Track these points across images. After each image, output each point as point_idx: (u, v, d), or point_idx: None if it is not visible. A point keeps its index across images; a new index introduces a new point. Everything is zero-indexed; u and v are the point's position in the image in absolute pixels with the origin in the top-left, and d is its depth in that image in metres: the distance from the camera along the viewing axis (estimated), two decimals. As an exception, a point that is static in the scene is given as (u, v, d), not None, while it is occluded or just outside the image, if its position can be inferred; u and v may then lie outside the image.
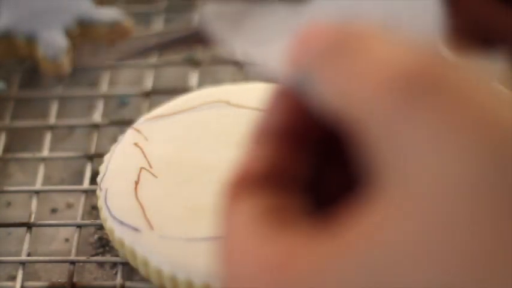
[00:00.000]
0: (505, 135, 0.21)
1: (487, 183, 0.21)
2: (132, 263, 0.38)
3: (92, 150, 0.46)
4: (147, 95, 0.48)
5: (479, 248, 0.21)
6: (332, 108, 0.24)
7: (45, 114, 0.48)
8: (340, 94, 0.23)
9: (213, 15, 0.29)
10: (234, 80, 0.48)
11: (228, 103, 0.42)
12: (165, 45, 0.31)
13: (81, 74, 0.51)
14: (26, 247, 0.41)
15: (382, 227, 0.22)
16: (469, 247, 0.21)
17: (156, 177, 0.39)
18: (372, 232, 0.22)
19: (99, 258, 0.41)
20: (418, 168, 0.22)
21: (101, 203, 0.39)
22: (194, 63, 0.50)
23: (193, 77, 0.49)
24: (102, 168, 0.41)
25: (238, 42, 0.28)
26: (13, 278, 0.41)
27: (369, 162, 0.23)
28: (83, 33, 0.50)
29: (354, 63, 0.23)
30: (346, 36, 0.24)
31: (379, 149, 0.23)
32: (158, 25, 0.53)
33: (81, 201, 0.43)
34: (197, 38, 0.30)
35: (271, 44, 0.28)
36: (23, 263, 0.41)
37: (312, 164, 0.26)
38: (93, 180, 0.43)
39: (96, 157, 0.45)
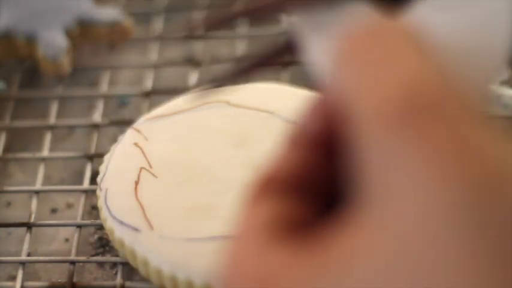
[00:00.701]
0: (492, 173, 0.21)
1: (471, 222, 0.21)
2: (132, 263, 0.38)
3: (92, 150, 0.46)
4: (147, 95, 0.48)
5: (455, 281, 0.21)
6: (340, 108, 0.24)
7: (45, 114, 0.48)
8: (349, 98, 0.24)
9: (300, 22, 0.29)
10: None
11: (228, 103, 0.42)
12: (259, 64, 0.30)
13: (81, 74, 0.51)
14: (26, 247, 0.41)
15: (357, 253, 0.22)
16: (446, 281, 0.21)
17: (156, 177, 0.39)
18: (348, 257, 0.22)
19: (99, 258, 0.41)
20: (400, 194, 0.22)
21: (101, 203, 0.39)
22: (194, 63, 0.50)
23: (193, 77, 0.49)
24: (102, 168, 0.41)
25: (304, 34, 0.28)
26: (13, 278, 0.41)
27: (356, 176, 0.23)
28: (83, 33, 0.50)
29: (368, 70, 0.24)
30: (374, 37, 0.25)
31: (367, 165, 0.23)
32: (158, 25, 0.53)
33: (81, 201, 0.43)
34: (288, 49, 0.30)
35: (320, 41, 0.28)
36: (23, 263, 0.41)
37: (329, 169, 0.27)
38: (93, 180, 0.43)
39: (96, 157, 0.45)
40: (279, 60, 0.30)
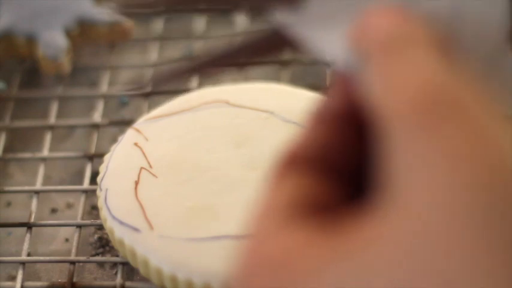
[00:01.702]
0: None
1: (490, 221, 0.22)
2: (132, 263, 0.38)
3: (92, 150, 0.46)
4: (147, 95, 0.48)
5: (469, 278, 0.21)
6: (371, 103, 0.25)
7: (45, 114, 0.48)
8: (380, 93, 0.24)
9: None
10: (234, 80, 0.48)
11: (228, 103, 0.42)
12: (248, 51, 0.30)
13: (81, 74, 0.51)
14: (26, 247, 0.41)
15: (377, 242, 0.22)
16: (460, 278, 0.21)
17: (156, 177, 0.39)
18: (367, 245, 0.22)
19: (99, 258, 0.41)
20: (423, 191, 0.22)
21: (101, 203, 0.39)
22: (194, 63, 0.50)
23: (193, 77, 0.49)
24: (102, 168, 0.41)
25: (303, 28, 0.28)
26: (13, 278, 0.41)
27: (383, 170, 0.24)
28: (83, 33, 0.50)
29: (399, 68, 0.24)
30: (402, 34, 0.25)
31: (393, 160, 0.23)
32: (158, 25, 0.53)
33: (81, 201, 0.43)
34: (276, 40, 0.30)
35: (334, 28, 0.28)
36: (23, 263, 0.41)
37: (355, 151, 0.27)
38: (93, 180, 0.43)
39: (96, 157, 0.45)
40: (237, 61, 0.30)
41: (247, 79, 0.48)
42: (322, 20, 0.28)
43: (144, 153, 0.40)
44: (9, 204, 0.45)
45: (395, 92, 0.24)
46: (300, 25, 0.28)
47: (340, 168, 0.26)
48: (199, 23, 0.53)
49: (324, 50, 0.28)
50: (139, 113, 0.46)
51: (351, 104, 0.27)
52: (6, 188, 0.44)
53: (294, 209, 0.25)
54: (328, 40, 0.28)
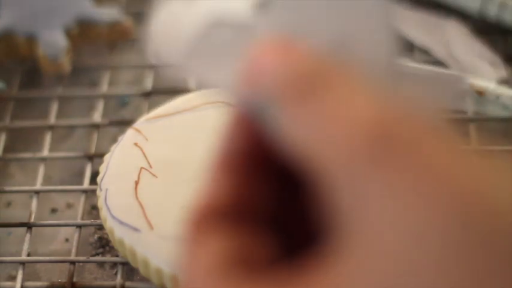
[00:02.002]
0: (461, 193, 0.22)
1: (450, 244, 0.21)
2: (132, 262, 0.38)
3: (92, 150, 0.46)
4: (147, 95, 0.48)
5: None
6: (295, 144, 0.23)
7: (45, 114, 0.48)
8: (306, 135, 0.23)
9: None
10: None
11: (228, 103, 0.42)
12: None
13: (81, 74, 0.51)
14: (26, 247, 0.41)
15: (346, 284, 0.22)
16: None
17: (156, 177, 0.39)
18: None
19: (99, 258, 0.41)
20: (379, 226, 0.22)
21: (101, 203, 0.39)
22: (194, 63, 0.50)
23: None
24: (102, 168, 0.41)
25: (193, 66, 0.28)
26: (13, 278, 0.41)
27: (331, 212, 0.23)
28: (82, 33, 0.50)
29: (322, 107, 0.23)
30: (312, 71, 0.24)
31: (342, 202, 0.23)
32: (158, 25, 0.53)
33: (81, 201, 0.43)
34: None
35: (225, 65, 0.27)
36: (23, 263, 0.41)
37: (277, 197, 0.25)
38: (93, 180, 0.43)
39: (96, 157, 0.45)
40: None
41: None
42: (212, 58, 0.28)
43: (144, 153, 0.40)
44: (9, 204, 0.45)
45: (330, 136, 0.23)
46: (193, 64, 0.28)
47: (263, 216, 0.25)
48: (199, 23, 0.53)
49: (221, 88, 0.28)
50: (139, 113, 0.46)
51: (256, 145, 0.25)
52: (6, 188, 0.44)
53: (228, 270, 0.23)
54: (222, 78, 0.28)
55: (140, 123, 0.42)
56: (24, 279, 0.40)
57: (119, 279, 0.39)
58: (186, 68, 0.28)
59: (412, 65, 0.46)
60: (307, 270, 0.23)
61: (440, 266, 0.21)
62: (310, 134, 0.23)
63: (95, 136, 0.46)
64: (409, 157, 0.22)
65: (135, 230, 0.37)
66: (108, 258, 0.41)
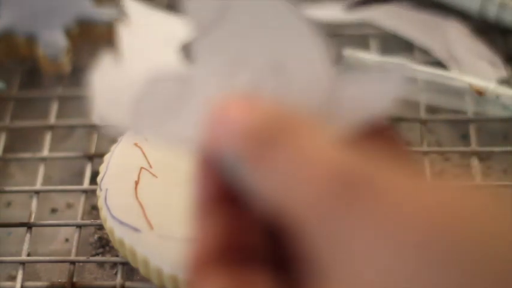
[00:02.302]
0: (431, 229, 0.22)
1: (423, 278, 0.22)
2: (132, 262, 0.38)
3: (92, 150, 0.46)
4: (147, 95, 0.48)
5: None
6: (265, 200, 0.24)
7: (45, 114, 0.48)
8: (276, 191, 0.24)
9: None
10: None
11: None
12: None
13: (81, 74, 0.50)
14: (26, 247, 0.41)
15: None
16: None
17: (156, 177, 0.39)
18: None
19: (99, 258, 0.41)
20: (356, 268, 0.23)
21: (101, 203, 0.39)
22: (194, 63, 0.50)
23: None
24: (102, 168, 0.41)
25: (143, 124, 0.29)
26: (13, 278, 0.41)
27: (308, 257, 0.24)
28: (82, 33, 0.50)
29: (284, 156, 0.24)
30: (274, 124, 0.25)
31: (318, 248, 0.23)
32: (158, 25, 0.53)
33: (81, 201, 0.43)
34: None
35: (181, 118, 0.28)
36: (23, 263, 0.41)
37: (266, 232, 0.26)
38: (93, 180, 0.43)
39: (96, 157, 0.45)
40: None
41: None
42: (159, 113, 0.28)
43: (144, 153, 0.40)
44: (9, 204, 0.45)
45: (295, 181, 0.23)
46: (138, 119, 0.29)
47: (253, 255, 0.26)
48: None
49: (178, 142, 0.29)
50: (139, 113, 0.46)
51: (225, 188, 0.26)
52: (6, 188, 0.44)
53: None
54: (177, 132, 0.28)
55: (140, 123, 0.42)
56: (24, 279, 0.40)
57: (118, 279, 0.39)
58: (136, 127, 0.29)
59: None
60: None
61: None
62: (276, 184, 0.24)
63: (95, 136, 0.46)
64: (374, 192, 0.23)
65: (135, 230, 0.37)
66: (108, 258, 0.41)
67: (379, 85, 0.28)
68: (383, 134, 0.27)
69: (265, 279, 0.25)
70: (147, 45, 0.35)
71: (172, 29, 0.38)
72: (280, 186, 0.24)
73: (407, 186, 0.23)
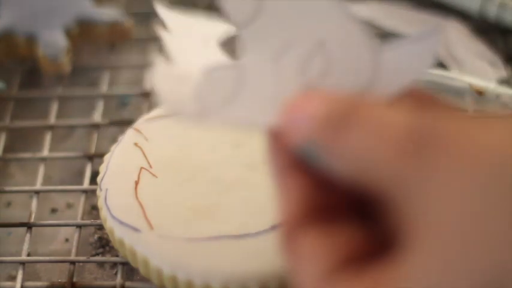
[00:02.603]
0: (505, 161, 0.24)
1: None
2: (132, 262, 0.38)
3: (92, 150, 0.46)
4: (147, 95, 0.48)
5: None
6: (347, 174, 0.26)
7: (45, 114, 0.48)
8: (357, 161, 0.26)
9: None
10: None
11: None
12: None
13: (81, 74, 0.51)
14: (26, 247, 0.41)
15: (408, 280, 0.24)
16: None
17: (156, 177, 0.39)
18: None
19: (99, 258, 0.41)
20: (440, 220, 0.24)
21: (101, 203, 0.39)
22: (194, 63, 0.50)
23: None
24: (102, 168, 0.41)
25: (206, 111, 0.30)
26: (13, 278, 0.41)
27: (394, 217, 0.25)
28: (82, 33, 0.50)
29: (362, 132, 0.26)
30: (345, 107, 0.27)
31: (402, 207, 0.25)
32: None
33: (81, 201, 0.43)
34: None
35: (237, 102, 0.31)
36: (23, 263, 0.41)
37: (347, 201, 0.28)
38: (93, 180, 0.43)
39: (96, 157, 0.45)
40: None
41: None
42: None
43: (144, 153, 0.40)
44: (9, 204, 0.45)
45: (374, 150, 0.26)
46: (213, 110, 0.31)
47: (342, 215, 0.28)
48: (199, 23, 0.53)
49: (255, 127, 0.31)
50: (139, 113, 0.46)
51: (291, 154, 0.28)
52: (6, 188, 0.44)
53: (337, 272, 0.26)
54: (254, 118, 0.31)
55: (140, 123, 0.42)
56: (24, 279, 0.40)
57: (118, 279, 0.39)
58: (201, 114, 0.31)
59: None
60: (380, 268, 0.25)
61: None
62: (355, 155, 0.26)
63: (95, 136, 0.46)
64: (446, 141, 0.25)
65: (135, 230, 0.37)
66: (108, 258, 0.41)
67: (416, 49, 0.30)
68: (418, 93, 0.29)
69: (355, 233, 0.27)
70: (191, 45, 0.36)
71: (209, 28, 0.39)
72: (359, 155, 0.26)
73: (473, 128, 0.25)
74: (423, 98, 0.29)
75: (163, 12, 0.40)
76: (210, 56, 0.37)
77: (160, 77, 0.31)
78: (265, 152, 0.30)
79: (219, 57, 0.37)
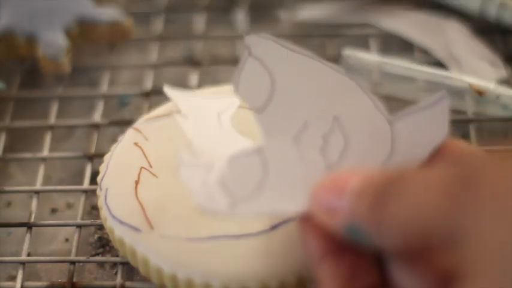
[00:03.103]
0: None
1: None
2: (132, 262, 0.38)
3: (92, 150, 0.46)
4: (147, 95, 0.48)
5: None
6: (397, 241, 0.28)
7: (45, 114, 0.48)
8: (406, 226, 0.27)
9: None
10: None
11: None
12: None
13: (81, 74, 0.51)
14: (26, 247, 0.41)
15: None
16: None
17: (156, 177, 0.39)
18: None
19: (99, 258, 0.41)
20: (491, 254, 0.25)
21: (101, 203, 0.39)
22: (194, 63, 0.50)
23: (193, 77, 0.49)
24: (102, 168, 0.41)
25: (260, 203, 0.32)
26: (13, 278, 0.41)
27: (453, 259, 0.27)
28: (83, 33, 0.50)
29: (408, 195, 0.28)
30: (381, 180, 0.28)
31: (460, 248, 0.26)
32: (158, 25, 0.53)
33: (81, 201, 0.43)
34: None
35: (264, 190, 0.32)
36: (23, 263, 0.41)
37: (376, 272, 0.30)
38: (93, 180, 0.43)
39: (96, 157, 0.45)
40: None
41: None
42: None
43: (144, 153, 0.40)
44: (9, 204, 0.45)
45: (419, 207, 0.27)
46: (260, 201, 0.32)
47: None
48: (199, 23, 0.53)
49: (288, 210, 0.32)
50: (139, 113, 0.46)
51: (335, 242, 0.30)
52: (6, 188, 0.44)
53: None
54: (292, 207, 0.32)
55: (140, 123, 0.42)
56: (24, 279, 0.40)
57: (119, 279, 0.39)
58: (233, 206, 0.32)
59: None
60: None
61: None
62: (409, 217, 0.27)
63: (95, 136, 0.46)
64: (484, 181, 0.26)
65: (135, 229, 0.37)
66: (108, 258, 0.41)
67: (429, 116, 0.31)
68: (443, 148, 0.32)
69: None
70: (207, 126, 0.38)
71: (219, 104, 0.40)
72: (409, 218, 0.27)
73: (503, 167, 0.27)
74: (448, 151, 0.31)
75: (173, 94, 0.40)
76: (227, 136, 0.38)
77: (188, 173, 0.32)
78: (300, 240, 0.31)
79: (235, 136, 0.38)
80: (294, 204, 0.31)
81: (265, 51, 0.32)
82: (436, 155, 0.31)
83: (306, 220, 0.31)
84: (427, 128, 0.31)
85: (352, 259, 0.30)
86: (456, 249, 0.26)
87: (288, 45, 0.32)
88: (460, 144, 0.32)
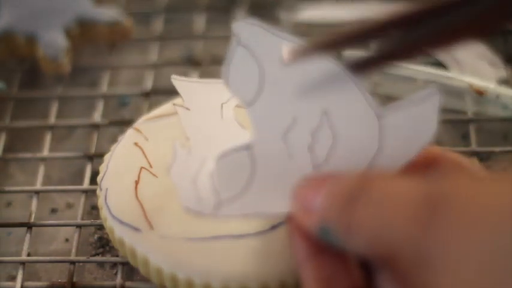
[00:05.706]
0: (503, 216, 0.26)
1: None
2: (132, 262, 0.38)
3: (92, 150, 0.46)
4: (147, 95, 0.48)
5: None
6: (364, 248, 0.28)
7: (45, 114, 0.48)
8: (372, 236, 0.28)
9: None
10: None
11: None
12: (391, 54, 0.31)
13: (81, 74, 0.51)
14: (26, 247, 0.41)
15: None
16: None
17: (156, 177, 0.39)
18: None
19: (99, 258, 0.41)
20: (456, 272, 0.26)
21: (101, 203, 0.39)
22: (194, 63, 0.50)
23: (193, 77, 0.49)
24: (102, 168, 0.41)
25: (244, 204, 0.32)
26: (13, 278, 0.41)
27: (412, 275, 0.27)
28: (83, 33, 0.50)
29: (375, 206, 0.28)
30: (354, 185, 0.29)
31: (418, 263, 0.27)
32: (158, 25, 0.53)
33: (81, 201, 0.43)
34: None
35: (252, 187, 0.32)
36: (23, 263, 0.41)
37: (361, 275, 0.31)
38: (93, 180, 0.43)
39: (96, 157, 0.45)
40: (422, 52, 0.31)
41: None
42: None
43: (144, 153, 0.40)
44: (9, 204, 0.45)
45: (387, 220, 0.28)
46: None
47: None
48: (199, 23, 0.53)
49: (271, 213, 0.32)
50: (139, 113, 0.46)
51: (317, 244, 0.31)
52: (6, 188, 0.44)
53: None
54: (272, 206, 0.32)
55: (140, 123, 0.42)
56: (24, 279, 0.40)
57: (118, 279, 0.39)
58: (222, 206, 0.32)
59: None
60: None
61: None
62: (368, 227, 0.28)
63: (95, 136, 0.46)
64: (453, 205, 0.26)
65: (135, 229, 0.37)
66: (108, 258, 0.41)
67: (419, 112, 0.30)
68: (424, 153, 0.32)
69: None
70: (208, 119, 0.38)
71: (220, 95, 0.40)
72: (375, 230, 0.28)
73: (477, 190, 0.27)
74: (429, 157, 0.31)
75: (179, 84, 0.40)
76: (227, 128, 0.38)
77: (178, 171, 0.32)
78: (288, 239, 0.32)
79: (235, 128, 0.38)
80: (280, 204, 0.31)
81: (254, 39, 0.32)
82: (421, 160, 0.31)
83: (292, 220, 0.32)
84: (416, 123, 0.31)
85: (332, 262, 0.30)
86: (421, 269, 0.27)
87: (276, 32, 0.32)
88: (450, 155, 0.32)
